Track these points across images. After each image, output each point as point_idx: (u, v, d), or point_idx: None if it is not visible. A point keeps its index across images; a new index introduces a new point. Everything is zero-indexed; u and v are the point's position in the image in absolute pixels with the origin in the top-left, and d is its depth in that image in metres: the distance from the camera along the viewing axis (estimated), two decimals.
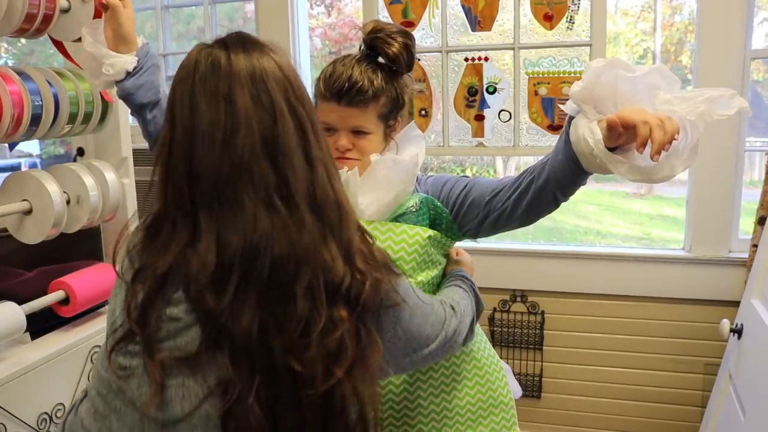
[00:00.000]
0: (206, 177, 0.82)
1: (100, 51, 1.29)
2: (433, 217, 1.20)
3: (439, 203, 1.20)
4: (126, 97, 1.31)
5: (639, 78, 0.97)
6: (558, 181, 1.07)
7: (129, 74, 1.28)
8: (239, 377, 0.79)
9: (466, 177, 1.23)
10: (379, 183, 1.17)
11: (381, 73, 1.18)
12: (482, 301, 1.19)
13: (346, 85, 1.14)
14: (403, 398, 1.17)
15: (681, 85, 0.98)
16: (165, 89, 1.23)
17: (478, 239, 1.27)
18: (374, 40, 1.19)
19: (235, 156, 0.82)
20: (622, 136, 0.95)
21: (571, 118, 1.03)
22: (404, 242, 1.16)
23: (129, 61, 1.27)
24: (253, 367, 0.79)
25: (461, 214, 1.19)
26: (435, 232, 1.19)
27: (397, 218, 1.18)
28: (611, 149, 0.97)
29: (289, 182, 0.83)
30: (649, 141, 0.90)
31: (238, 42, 0.90)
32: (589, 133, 0.96)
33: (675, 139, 0.91)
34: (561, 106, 2.29)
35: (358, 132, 1.18)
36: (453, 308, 1.06)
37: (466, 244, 1.79)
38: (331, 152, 0.92)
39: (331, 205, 0.86)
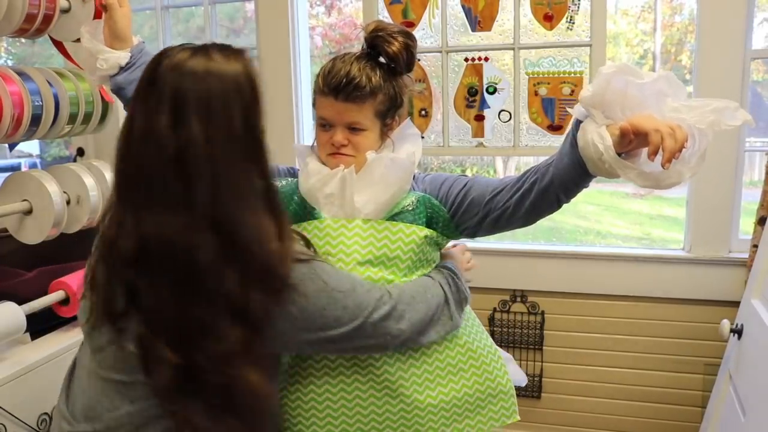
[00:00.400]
0: (129, 175, 0.98)
1: (96, 47, 1.35)
2: (429, 215, 1.21)
3: (436, 202, 1.21)
4: (118, 91, 1.35)
5: (647, 84, 0.98)
6: (562, 183, 1.09)
7: (122, 69, 1.32)
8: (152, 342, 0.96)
9: (465, 176, 1.24)
10: (376, 181, 1.17)
11: (380, 71, 1.19)
12: (465, 291, 1.21)
13: (344, 80, 1.16)
14: (399, 393, 1.16)
15: (686, 93, 1.01)
16: None
17: (476, 238, 1.27)
18: (375, 39, 1.20)
19: (151, 162, 0.94)
20: (632, 143, 0.97)
21: (578, 121, 1.04)
22: (400, 241, 1.17)
23: (122, 56, 1.32)
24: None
25: (460, 213, 1.20)
26: (431, 231, 1.20)
27: (393, 217, 1.18)
28: (618, 154, 0.99)
29: (194, 197, 0.94)
30: (660, 149, 0.92)
31: (185, 54, 0.98)
32: (598, 138, 0.97)
33: (684, 147, 0.94)
34: (569, 109, 2.29)
35: (353, 128, 1.19)
36: (390, 295, 1.08)
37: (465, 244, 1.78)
38: (249, 188, 0.98)
39: (233, 225, 0.96)
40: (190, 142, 0.93)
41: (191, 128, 0.93)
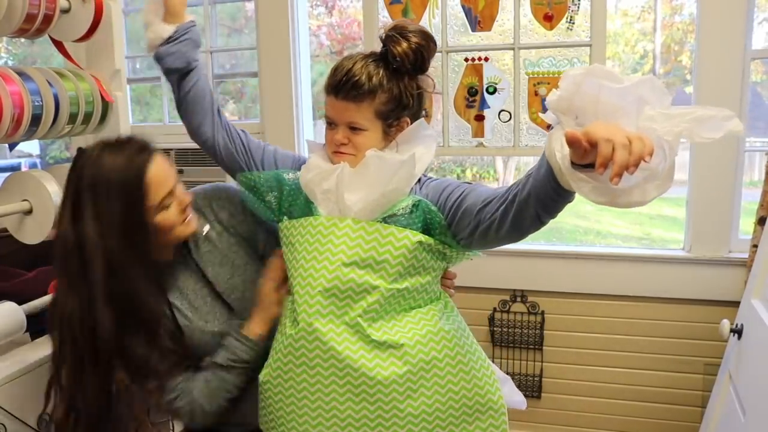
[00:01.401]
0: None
1: (147, 17, 1.37)
2: (427, 221, 1.17)
3: (434, 208, 1.16)
4: (158, 61, 1.35)
5: (629, 89, 0.88)
6: (538, 196, 0.98)
7: (165, 42, 1.33)
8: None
9: (467, 183, 1.19)
10: (367, 180, 1.17)
11: (384, 71, 1.18)
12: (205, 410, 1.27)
13: (343, 78, 1.16)
14: (392, 398, 1.15)
15: (670, 100, 0.89)
16: (201, 64, 1.36)
17: (475, 250, 1.23)
18: (387, 38, 1.20)
19: (62, 241, 1.16)
20: (588, 153, 0.85)
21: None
22: (390, 245, 1.15)
23: (167, 29, 1.34)
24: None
25: (455, 222, 1.15)
26: (426, 237, 1.16)
27: (386, 219, 1.16)
28: (585, 166, 0.88)
29: (89, 276, 1.13)
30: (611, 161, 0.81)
31: (92, 152, 1.19)
32: (558, 146, 0.88)
33: (645, 161, 0.81)
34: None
35: (353, 127, 1.19)
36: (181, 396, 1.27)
37: None
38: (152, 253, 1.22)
39: (128, 303, 1.16)
40: (85, 235, 1.14)
41: (86, 223, 1.13)
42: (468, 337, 1.25)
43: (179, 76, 1.32)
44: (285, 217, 1.25)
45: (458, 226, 1.14)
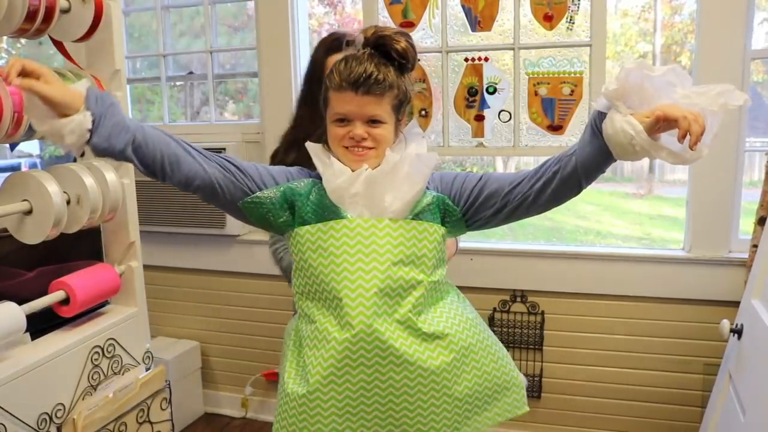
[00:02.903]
0: None
1: (53, 126, 1.11)
2: (443, 214, 1.26)
3: (450, 201, 1.25)
4: (101, 153, 1.14)
5: (658, 77, 1.11)
6: (586, 169, 1.17)
7: (91, 132, 1.11)
8: None
9: (475, 173, 1.28)
10: (403, 179, 1.21)
11: (392, 68, 1.23)
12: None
13: (364, 75, 1.19)
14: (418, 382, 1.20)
15: (691, 82, 1.13)
16: (134, 122, 1.16)
17: (484, 229, 1.32)
18: (380, 39, 1.22)
19: None
20: (660, 128, 1.10)
21: (599, 113, 1.14)
22: (426, 240, 1.23)
23: (83, 120, 1.10)
24: None
25: (474, 207, 1.25)
26: (445, 228, 1.26)
27: (417, 215, 1.23)
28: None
29: None
30: (688, 132, 1.05)
31: None
32: (628, 126, 1.10)
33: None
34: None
35: (373, 121, 1.22)
36: None
37: (465, 244, 1.76)
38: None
39: None
40: None
41: None
42: (483, 322, 1.36)
43: (132, 148, 1.14)
44: (298, 225, 1.24)
45: (479, 209, 1.25)
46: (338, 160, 1.24)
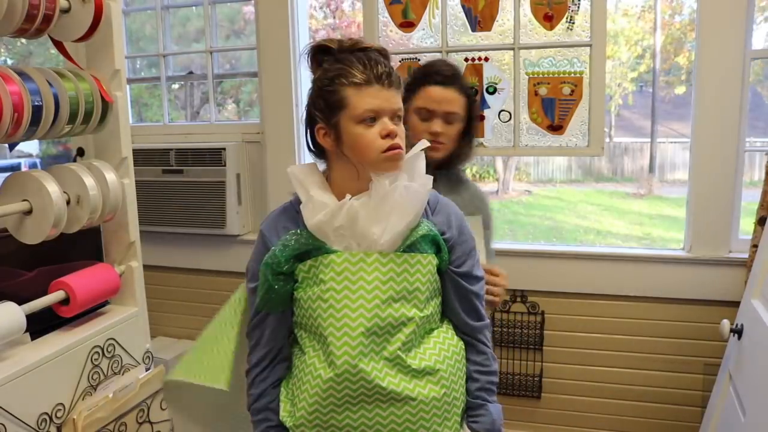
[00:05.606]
0: None
1: None
2: (436, 246, 1.19)
3: (442, 241, 1.18)
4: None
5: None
6: None
7: None
8: None
9: (480, 267, 1.25)
10: (390, 211, 1.13)
11: None
12: None
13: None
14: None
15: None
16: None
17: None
18: (356, 45, 1.19)
19: None
20: None
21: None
22: (419, 273, 1.16)
23: None
24: None
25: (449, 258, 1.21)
26: (438, 258, 1.19)
27: (409, 247, 1.16)
28: None
29: None
30: None
31: None
32: None
33: None
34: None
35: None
36: None
37: None
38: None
39: None
40: None
41: None
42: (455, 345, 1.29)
43: None
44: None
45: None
46: (370, 168, 1.14)
